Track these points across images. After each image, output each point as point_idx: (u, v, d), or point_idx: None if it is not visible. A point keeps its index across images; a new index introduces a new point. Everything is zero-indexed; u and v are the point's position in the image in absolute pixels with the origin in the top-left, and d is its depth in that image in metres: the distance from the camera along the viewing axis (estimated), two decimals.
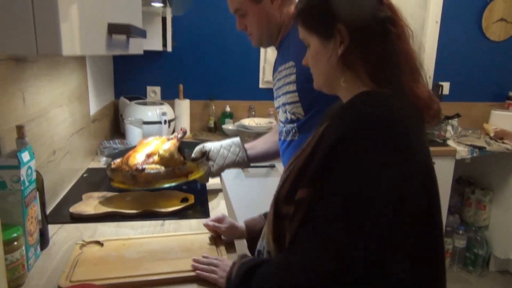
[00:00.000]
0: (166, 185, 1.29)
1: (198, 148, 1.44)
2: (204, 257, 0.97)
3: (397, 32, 0.77)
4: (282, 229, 0.78)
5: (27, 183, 0.93)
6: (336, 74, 0.80)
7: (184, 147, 1.49)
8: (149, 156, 1.33)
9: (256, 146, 1.50)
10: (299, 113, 1.23)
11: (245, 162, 1.45)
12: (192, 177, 1.34)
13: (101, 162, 1.85)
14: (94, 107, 1.99)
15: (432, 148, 2.71)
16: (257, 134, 2.20)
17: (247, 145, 1.48)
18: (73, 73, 1.59)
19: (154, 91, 2.56)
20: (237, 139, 1.48)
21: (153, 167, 1.29)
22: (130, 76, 2.54)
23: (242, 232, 1.10)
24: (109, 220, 1.22)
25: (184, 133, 1.46)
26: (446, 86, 2.83)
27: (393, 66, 0.76)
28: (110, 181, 1.37)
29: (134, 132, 2.11)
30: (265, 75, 2.61)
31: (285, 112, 1.28)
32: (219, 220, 1.12)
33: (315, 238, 0.69)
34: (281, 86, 1.28)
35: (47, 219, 1.07)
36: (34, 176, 0.97)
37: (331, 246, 0.67)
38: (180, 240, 1.08)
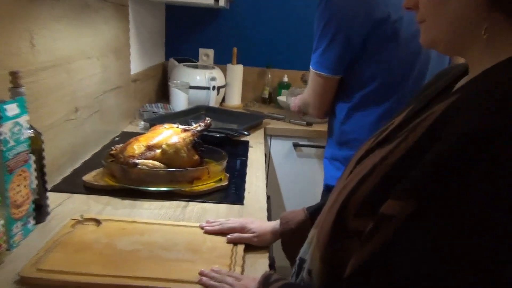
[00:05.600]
0: (163, 189, 1.03)
1: None
2: (214, 271, 0.73)
3: None
4: (342, 249, 0.51)
5: (11, 143, 0.74)
6: (474, 20, 0.48)
7: (203, 142, 1.18)
8: (150, 148, 1.07)
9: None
10: None
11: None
12: (199, 184, 1.06)
13: (138, 127, 1.68)
14: (137, 66, 1.81)
15: None
16: None
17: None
18: (109, 22, 1.40)
19: (206, 54, 2.35)
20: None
21: (149, 164, 1.03)
22: (182, 37, 2.34)
23: (275, 232, 0.85)
24: (125, 195, 1.03)
25: (207, 126, 1.16)
26: None
27: None
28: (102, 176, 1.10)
29: (178, 97, 1.92)
30: None
31: None
32: (242, 227, 0.86)
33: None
34: None
35: (46, 187, 0.90)
36: (25, 135, 0.79)
37: None
38: (190, 234, 0.86)
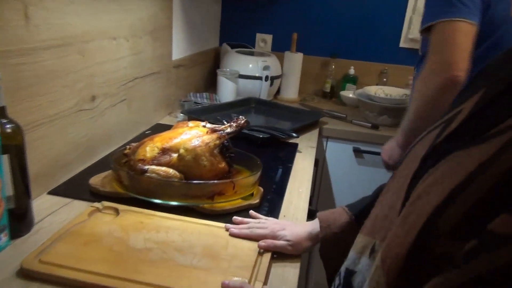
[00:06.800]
0: (174, 203, 0.83)
1: None
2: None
3: None
4: (424, 277, 0.38)
5: None
6: None
7: (242, 142, 1.01)
8: (165, 151, 0.86)
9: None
10: None
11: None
12: (221, 200, 0.84)
13: (176, 119, 1.50)
14: (183, 50, 1.64)
15: None
16: (383, 109, 1.59)
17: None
18: None
19: (264, 40, 2.11)
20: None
21: (160, 172, 0.82)
22: (239, 20, 2.12)
23: (313, 237, 0.73)
24: (135, 204, 0.84)
25: (240, 126, 0.92)
26: None
27: None
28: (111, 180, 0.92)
29: (226, 87, 1.72)
30: (411, 30, 1.92)
31: None
32: (273, 235, 0.74)
33: None
34: None
35: (29, 194, 0.73)
36: None
37: None
38: (212, 235, 0.75)
